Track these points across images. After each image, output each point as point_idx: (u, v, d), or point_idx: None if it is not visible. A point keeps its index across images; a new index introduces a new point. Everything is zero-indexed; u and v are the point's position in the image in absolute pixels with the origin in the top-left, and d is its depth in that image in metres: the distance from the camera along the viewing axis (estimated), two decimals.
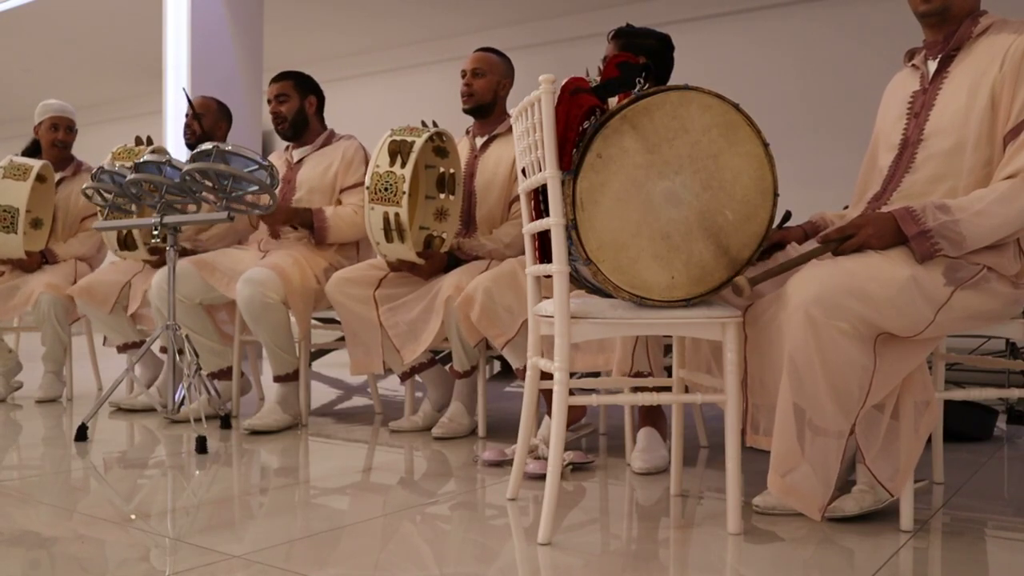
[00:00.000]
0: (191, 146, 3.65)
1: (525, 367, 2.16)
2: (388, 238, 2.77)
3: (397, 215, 2.72)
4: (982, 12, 1.92)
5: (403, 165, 2.73)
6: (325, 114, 3.42)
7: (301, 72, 3.40)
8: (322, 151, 3.35)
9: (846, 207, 2.16)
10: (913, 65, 2.01)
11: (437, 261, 2.92)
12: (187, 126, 3.65)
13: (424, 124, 2.89)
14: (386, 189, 2.72)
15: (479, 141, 3.15)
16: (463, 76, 3.09)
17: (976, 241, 1.73)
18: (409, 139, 2.78)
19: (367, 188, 2.76)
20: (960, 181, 1.83)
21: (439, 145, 2.95)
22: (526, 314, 2.03)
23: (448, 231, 2.98)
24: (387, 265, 2.93)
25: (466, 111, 3.13)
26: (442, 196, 3.00)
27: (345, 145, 3.33)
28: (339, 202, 3.27)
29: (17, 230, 3.57)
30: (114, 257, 3.63)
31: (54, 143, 3.88)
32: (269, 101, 3.35)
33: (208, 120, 3.63)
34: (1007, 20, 1.88)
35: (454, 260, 2.95)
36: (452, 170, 2.96)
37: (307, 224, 3.20)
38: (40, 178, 3.65)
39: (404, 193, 2.71)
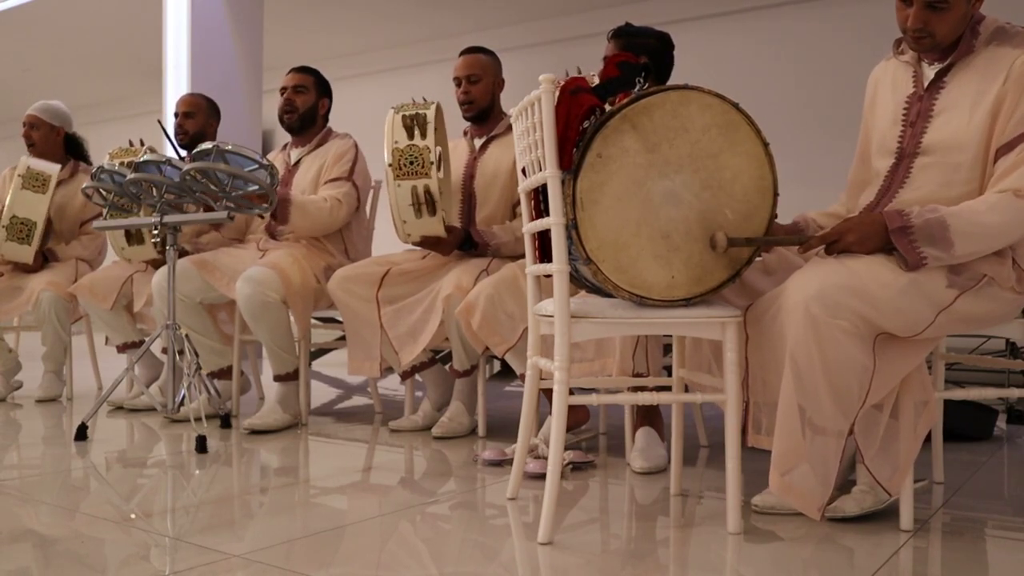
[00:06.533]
0: (183, 146, 3.65)
1: None
2: (418, 213, 2.70)
3: (427, 187, 2.67)
4: (980, 18, 1.85)
5: (423, 136, 2.68)
6: None
7: (320, 72, 3.40)
8: (317, 151, 3.34)
9: None
10: (905, 61, 1.96)
11: (457, 235, 2.89)
12: (179, 125, 3.65)
13: (414, 100, 2.86)
14: (411, 163, 2.66)
15: (477, 143, 3.14)
16: (457, 84, 3.04)
17: (964, 243, 1.70)
18: (421, 112, 2.74)
19: (389, 166, 2.68)
20: (956, 193, 1.81)
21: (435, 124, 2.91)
22: (527, 321, 2.03)
23: (446, 208, 2.92)
24: (412, 245, 2.88)
25: (467, 119, 3.10)
26: None
27: (338, 143, 3.32)
28: None
29: (32, 242, 3.60)
30: (116, 258, 3.63)
31: (26, 141, 3.87)
32: (283, 89, 3.33)
33: (200, 119, 3.63)
34: (1006, 29, 1.83)
35: (468, 239, 2.93)
36: (439, 148, 2.89)
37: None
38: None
39: (432, 163, 2.65)
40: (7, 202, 3.56)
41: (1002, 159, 1.76)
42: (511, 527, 1.88)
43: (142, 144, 3.51)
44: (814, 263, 1.80)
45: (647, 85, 1.78)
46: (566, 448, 2.28)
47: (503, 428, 3.03)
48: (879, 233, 1.74)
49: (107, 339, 3.69)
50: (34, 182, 3.60)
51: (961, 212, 1.72)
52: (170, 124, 3.73)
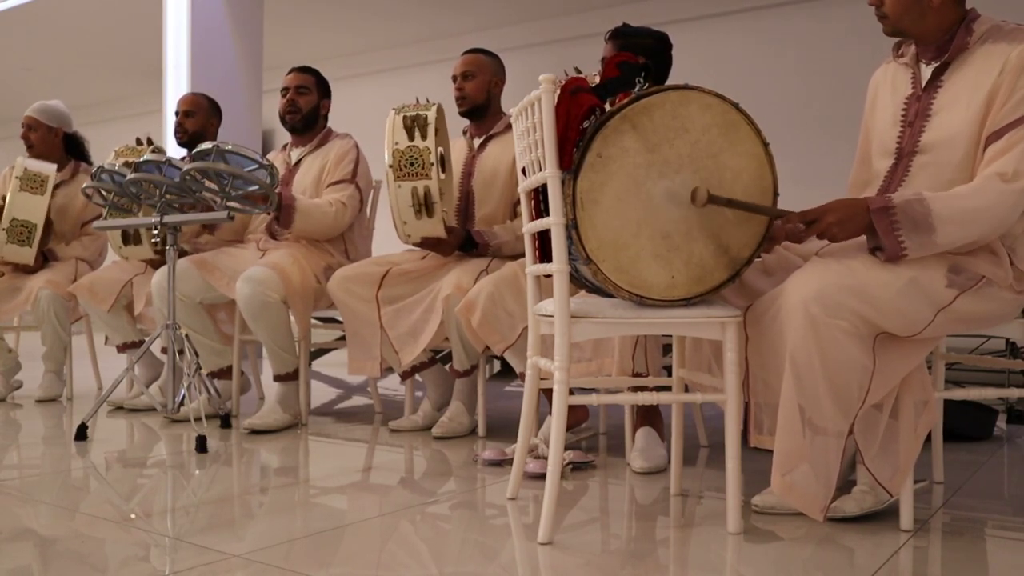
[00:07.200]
0: (183, 145, 3.65)
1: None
2: (418, 214, 2.72)
3: (427, 188, 2.68)
4: (975, 16, 1.86)
5: (423, 138, 2.69)
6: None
7: (320, 72, 3.39)
8: (318, 151, 3.34)
9: None
10: (904, 63, 1.97)
11: (457, 236, 2.90)
12: (179, 124, 3.64)
13: (417, 101, 2.87)
14: (412, 164, 2.67)
15: (476, 142, 3.14)
16: (454, 81, 3.07)
17: (946, 227, 1.68)
18: (421, 113, 2.74)
19: (389, 167, 2.70)
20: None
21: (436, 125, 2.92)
22: (527, 320, 2.03)
23: (447, 208, 2.92)
24: (412, 246, 2.89)
25: (462, 114, 3.11)
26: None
27: (339, 144, 3.32)
28: None
29: (32, 244, 3.61)
30: (115, 258, 3.63)
31: (25, 143, 3.88)
32: (285, 89, 3.32)
33: (200, 118, 3.63)
34: (1001, 26, 1.83)
35: (469, 239, 2.93)
36: (441, 148, 2.89)
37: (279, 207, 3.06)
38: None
39: (432, 165, 2.66)
40: (6, 205, 3.55)
41: (991, 146, 1.75)
42: (511, 527, 1.88)
43: (149, 142, 3.51)
44: (813, 263, 1.79)
45: (647, 85, 1.78)
46: (566, 448, 2.28)
47: (503, 428, 3.03)
48: (860, 215, 1.72)
49: (107, 339, 3.69)
50: (31, 183, 3.59)
51: (943, 197, 1.72)
52: (170, 123, 3.73)
